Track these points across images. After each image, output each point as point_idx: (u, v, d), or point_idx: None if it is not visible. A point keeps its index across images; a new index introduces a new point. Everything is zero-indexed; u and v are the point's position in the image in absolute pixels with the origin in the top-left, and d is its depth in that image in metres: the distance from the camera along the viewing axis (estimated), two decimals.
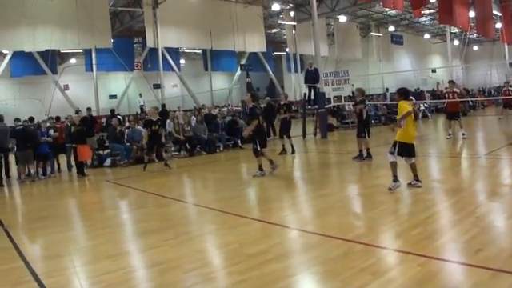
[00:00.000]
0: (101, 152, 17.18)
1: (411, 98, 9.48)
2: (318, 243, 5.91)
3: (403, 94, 8.83)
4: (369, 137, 12.86)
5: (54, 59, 32.59)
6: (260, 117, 11.88)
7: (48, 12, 25.07)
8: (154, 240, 6.53)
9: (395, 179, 8.40)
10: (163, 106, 23.22)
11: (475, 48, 54.91)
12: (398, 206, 7.61)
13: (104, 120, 23.68)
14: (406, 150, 8.37)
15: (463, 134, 16.20)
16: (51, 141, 15.09)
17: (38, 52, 29.63)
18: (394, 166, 8.45)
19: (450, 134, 16.61)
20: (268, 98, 24.72)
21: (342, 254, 5.38)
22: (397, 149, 8.39)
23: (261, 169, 11.58)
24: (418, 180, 8.47)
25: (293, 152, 15.68)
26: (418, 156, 12.77)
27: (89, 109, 18.94)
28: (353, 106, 15.05)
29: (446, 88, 18.45)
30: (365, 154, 12.90)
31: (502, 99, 23.46)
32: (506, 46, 40.69)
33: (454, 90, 17.22)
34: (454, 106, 17.06)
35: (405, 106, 8.35)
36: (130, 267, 5.62)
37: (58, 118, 17.53)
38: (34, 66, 31.82)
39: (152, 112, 15.01)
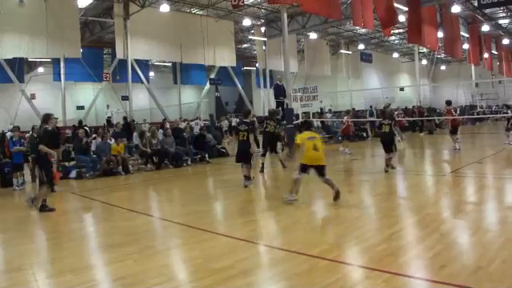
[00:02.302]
0: (66, 164, 16.86)
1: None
2: (284, 259, 5.90)
3: (301, 126, 10.16)
4: (388, 151, 13.07)
5: (21, 67, 31.88)
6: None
7: (17, 19, 24.58)
8: (118, 254, 6.42)
9: (291, 192, 9.32)
10: (125, 118, 22.93)
11: (443, 68, 56.12)
12: (363, 222, 7.64)
13: (69, 131, 23.31)
14: (313, 169, 9.14)
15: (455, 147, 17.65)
16: (25, 150, 14.65)
17: (5, 59, 29.06)
18: (295, 182, 9.24)
19: (456, 147, 17.87)
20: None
21: (306, 269, 5.37)
22: (299, 168, 9.16)
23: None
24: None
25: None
26: (382, 173, 12.98)
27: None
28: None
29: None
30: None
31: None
32: (473, 67, 41.76)
33: (450, 108, 18.97)
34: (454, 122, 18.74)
35: (296, 139, 9.51)
36: (94, 281, 5.50)
37: (17, 128, 17.06)
38: (0, 73, 31.10)
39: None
